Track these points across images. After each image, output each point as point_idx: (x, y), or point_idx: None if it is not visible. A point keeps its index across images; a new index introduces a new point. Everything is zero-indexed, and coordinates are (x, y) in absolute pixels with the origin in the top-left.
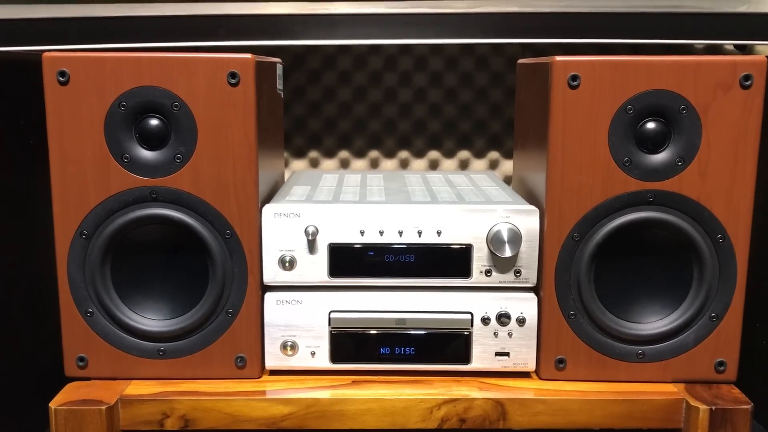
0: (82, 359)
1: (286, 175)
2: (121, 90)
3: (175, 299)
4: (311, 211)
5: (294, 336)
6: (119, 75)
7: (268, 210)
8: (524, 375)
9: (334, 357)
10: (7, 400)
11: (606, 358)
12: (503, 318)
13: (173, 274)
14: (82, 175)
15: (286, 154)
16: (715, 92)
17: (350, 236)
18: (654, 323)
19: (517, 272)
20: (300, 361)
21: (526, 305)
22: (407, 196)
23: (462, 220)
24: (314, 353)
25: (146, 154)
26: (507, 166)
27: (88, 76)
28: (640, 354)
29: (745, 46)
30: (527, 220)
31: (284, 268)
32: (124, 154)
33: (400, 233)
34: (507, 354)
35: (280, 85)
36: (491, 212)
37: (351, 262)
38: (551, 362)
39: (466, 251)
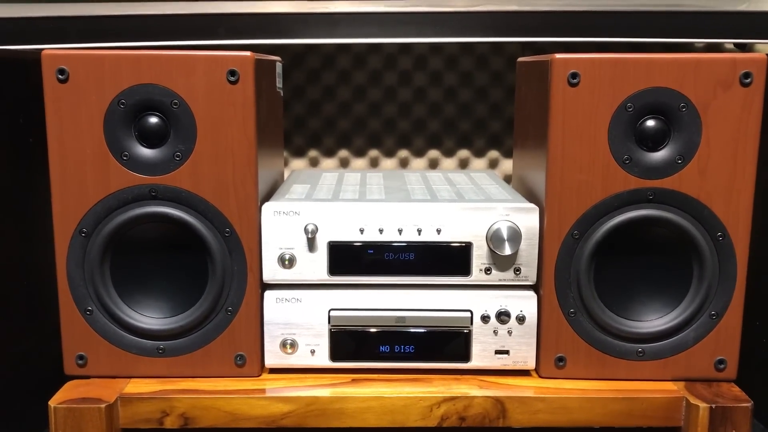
0: (81, 357)
1: (286, 174)
2: (121, 88)
3: (175, 297)
4: (311, 210)
5: (294, 334)
6: (118, 73)
7: (267, 208)
8: (524, 373)
9: (334, 355)
10: (7, 399)
11: (606, 357)
12: (503, 316)
13: (173, 272)
14: (82, 173)
15: (285, 153)
16: (715, 90)
17: (350, 234)
18: (654, 321)
19: (517, 270)
20: (300, 359)
21: (525, 303)
22: (407, 194)
23: (462, 218)
24: (314, 351)
25: (146, 152)
26: (507, 165)
27: (88, 74)
28: (640, 352)
29: (745, 44)
30: (527, 218)
31: (284, 266)
32: (123, 152)
33: (400, 231)
34: (507, 352)
35: (279, 84)
36: (491, 210)
37: (351, 260)
38: (551, 360)
39: (465, 249)
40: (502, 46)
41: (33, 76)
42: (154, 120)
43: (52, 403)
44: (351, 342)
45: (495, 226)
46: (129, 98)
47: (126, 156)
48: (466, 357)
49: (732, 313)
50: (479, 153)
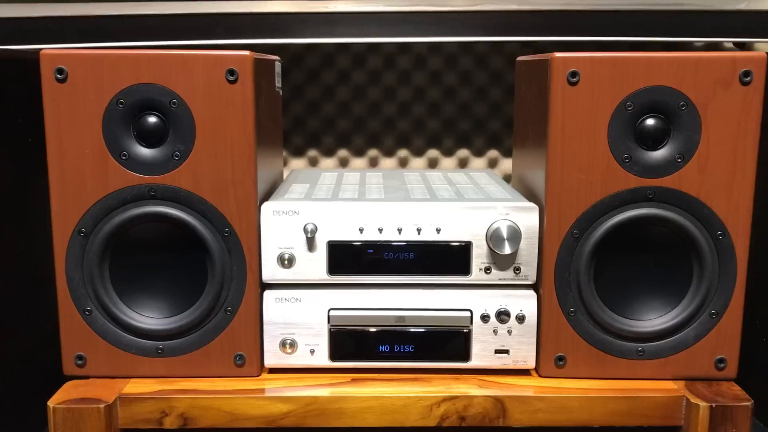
0: (80, 357)
1: (285, 174)
2: (119, 87)
3: (174, 297)
4: (310, 209)
5: (293, 334)
6: (117, 72)
7: (266, 207)
8: (524, 372)
9: (334, 355)
10: (6, 399)
11: (606, 356)
12: (503, 315)
13: (172, 272)
14: (81, 173)
15: (285, 153)
16: (714, 88)
17: (349, 234)
18: (654, 320)
19: (517, 269)
20: (299, 359)
21: (525, 302)
22: (406, 193)
23: (461, 217)
24: (313, 351)
25: (144, 151)
26: (506, 164)
27: (86, 73)
28: (640, 351)
29: (744, 43)
30: (527, 217)
31: (283, 265)
32: (122, 151)
33: (399, 231)
34: (507, 351)
35: (279, 83)
36: (490, 209)
37: (350, 259)
38: (551, 360)
39: (465, 248)
40: (502, 46)
41: (32, 76)
42: (152, 119)
43: (51, 403)
44: (350, 342)
45: (495, 226)
46: (128, 98)
47: (125, 156)
48: (465, 356)
49: (732, 311)
50: (479, 152)
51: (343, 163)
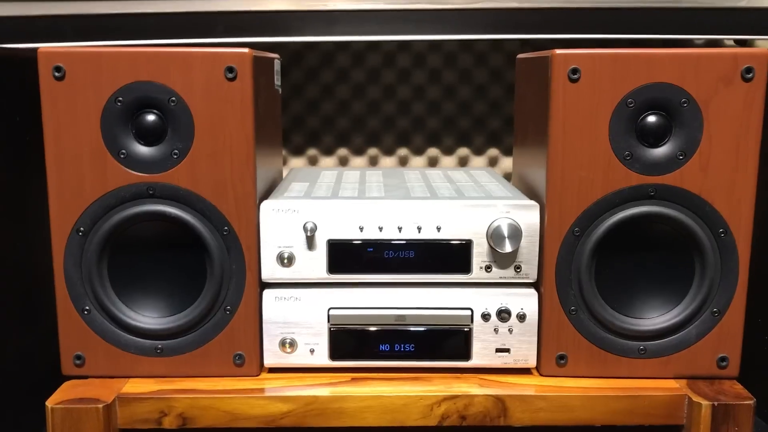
0: (79, 357)
1: (285, 173)
2: (118, 85)
3: (173, 296)
4: (310, 207)
5: (293, 333)
6: (115, 70)
7: (266, 206)
8: (525, 371)
9: (334, 354)
10: (4, 399)
11: (607, 354)
12: (503, 314)
13: (171, 271)
14: (79, 172)
15: (284, 152)
16: (716, 85)
17: (349, 232)
18: (655, 319)
19: (518, 268)
20: (299, 358)
21: (526, 301)
22: (406, 191)
23: (462, 215)
24: (313, 350)
25: (143, 149)
26: (506, 163)
27: (84, 71)
28: (641, 350)
29: (745, 41)
30: (527, 215)
31: (283, 264)
32: (120, 149)
33: (400, 229)
34: (507, 350)
35: (278, 81)
36: (491, 207)
37: (350, 258)
38: (552, 358)
39: (465, 247)
40: (502, 44)
41: (29, 74)
42: (151, 117)
43: (50, 403)
44: (350, 341)
45: (495, 224)
46: (126, 96)
47: (123, 154)
48: (466, 355)
49: (734, 310)
50: (479, 151)
51: (343, 161)
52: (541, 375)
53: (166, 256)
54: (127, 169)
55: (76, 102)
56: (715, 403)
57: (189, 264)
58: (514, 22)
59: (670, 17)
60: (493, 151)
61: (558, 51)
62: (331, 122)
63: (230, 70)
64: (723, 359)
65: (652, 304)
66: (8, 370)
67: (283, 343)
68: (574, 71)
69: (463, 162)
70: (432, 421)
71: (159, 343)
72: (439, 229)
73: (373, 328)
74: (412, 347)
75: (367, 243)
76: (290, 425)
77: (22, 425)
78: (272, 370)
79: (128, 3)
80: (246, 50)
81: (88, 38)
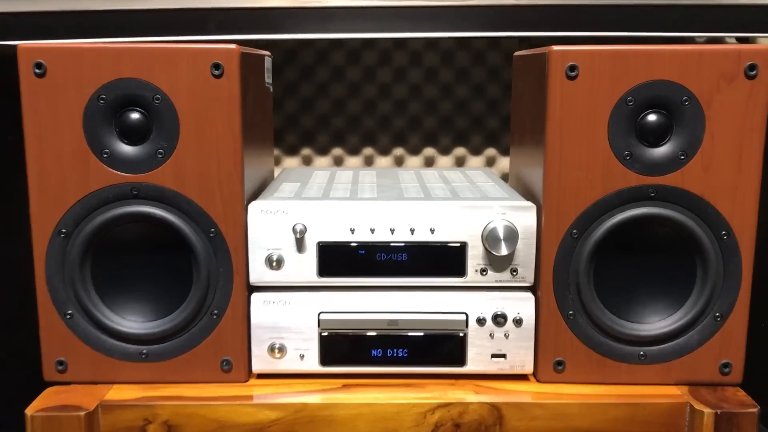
0: (61, 363)
1: (277, 173)
2: (101, 82)
3: (158, 300)
4: (299, 209)
5: (282, 338)
6: (98, 67)
7: (254, 207)
8: (521, 377)
9: (324, 360)
10: None
11: (606, 360)
12: (499, 318)
13: (156, 274)
14: (61, 171)
15: (278, 152)
16: (718, 82)
17: (340, 234)
18: (656, 323)
19: (514, 271)
20: (288, 364)
21: (523, 305)
22: (400, 192)
23: (456, 217)
24: (303, 356)
25: (127, 149)
26: (504, 163)
27: (66, 68)
28: (641, 355)
29: (746, 39)
30: (524, 217)
31: (271, 267)
32: (103, 149)
33: (392, 231)
34: (503, 356)
35: (268, 79)
36: (487, 209)
37: (341, 261)
38: (549, 364)
39: (460, 249)
40: (499, 42)
41: (10, 71)
42: (135, 116)
43: (29, 411)
44: (341, 346)
45: (491, 226)
46: (109, 93)
47: (106, 153)
48: (461, 361)
49: (737, 314)
50: (476, 151)
51: (338, 161)
52: (538, 381)
53: (151, 258)
54: (111, 169)
55: (58, 100)
56: (718, 411)
57: (175, 267)
58: (511, 19)
59: (670, 14)
60: (490, 151)
61: (555, 47)
62: (326, 121)
63: (217, 66)
64: (726, 365)
65: (653, 309)
66: None
67: (272, 349)
68: (572, 68)
69: (460, 162)
70: (425, 429)
71: (144, 348)
72: (432, 231)
73: (365, 333)
74: (406, 353)
75: (358, 245)
76: None
77: None
78: (261, 376)
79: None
80: (233, 46)
81: (75, 35)
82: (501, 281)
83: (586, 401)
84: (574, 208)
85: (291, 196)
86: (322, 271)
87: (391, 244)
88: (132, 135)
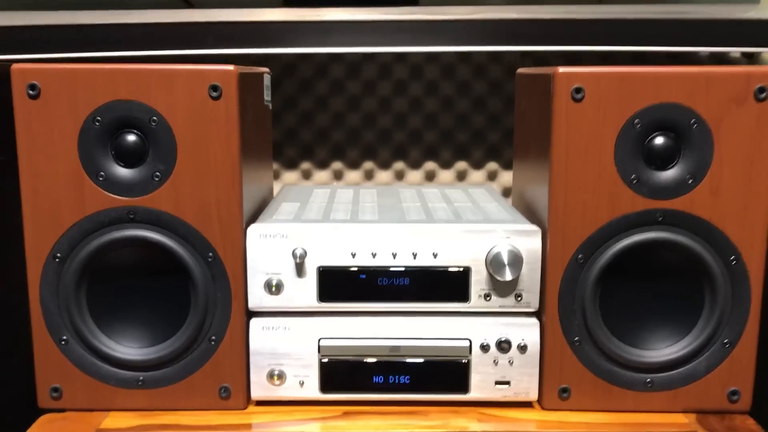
0: (56, 390)
1: (276, 188)
2: (96, 104)
3: (155, 326)
4: (299, 232)
5: (281, 364)
6: (93, 88)
7: (253, 231)
8: (526, 405)
9: (324, 387)
10: None
11: (612, 387)
12: (503, 345)
13: (153, 299)
14: (55, 194)
15: (277, 166)
16: (727, 105)
17: (341, 259)
18: (663, 350)
19: (518, 296)
20: (288, 391)
21: (527, 331)
22: (401, 213)
23: (459, 240)
24: (303, 383)
25: (123, 171)
26: (506, 177)
27: (60, 89)
28: (648, 382)
29: (752, 53)
30: (528, 241)
31: (271, 292)
32: (99, 171)
33: (394, 255)
34: (508, 383)
35: (267, 97)
36: (490, 233)
37: (341, 286)
38: (554, 391)
39: (463, 274)
40: (501, 55)
41: (2, 88)
42: (131, 138)
43: None
44: (342, 373)
45: (495, 250)
46: (105, 115)
47: (102, 176)
48: (464, 388)
49: (746, 341)
50: (477, 165)
51: (338, 175)
52: (543, 408)
53: (147, 283)
54: (107, 192)
55: (52, 121)
56: None
57: (172, 292)
58: (513, 33)
59: (675, 29)
60: (492, 165)
61: (561, 69)
62: (326, 135)
63: (215, 88)
64: (734, 393)
65: (660, 335)
66: None
67: (271, 375)
68: (578, 90)
69: (461, 176)
70: None
71: (141, 375)
72: (435, 255)
73: (366, 360)
74: (408, 379)
75: (359, 270)
76: None
77: None
78: (260, 403)
79: (114, 13)
80: (231, 67)
81: (71, 49)
82: (505, 306)
83: (592, 429)
84: (580, 233)
85: (290, 218)
86: (323, 296)
87: (393, 269)
88: (128, 157)
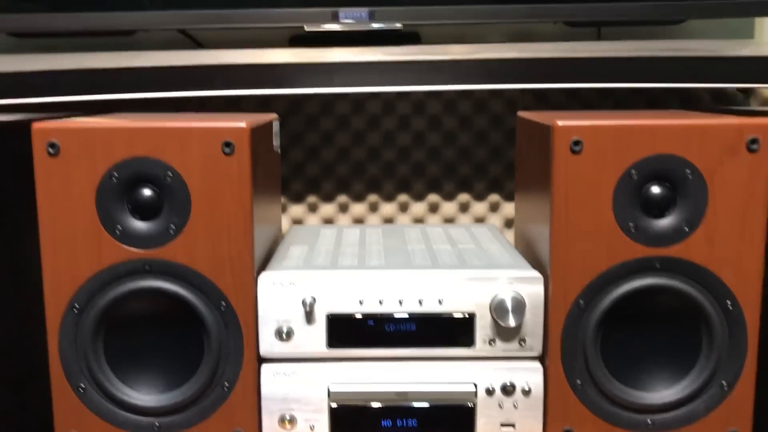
0: None
1: (284, 221)
2: (113, 161)
3: (170, 373)
4: (309, 280)
5: (292, 409)
6: (111, 146)
7: (264, 279)
8: None
9: (334, 431)
10: None
11: (614, 428)
12: (508, 388)
13: (167, 346)
14: (74, 247)
15: (284, 200)
16: (721, 156)
17: (349, 306)
18: (663, 392)
19: (522, 341)
20: None
21: (531, 375)
22: (407, 257)
23: (464, 288)
24: (313, 427)
25: (139, 225)
26: (508, 209)
27: (79, 147)
28: (649, 423)
29: (748, 89)
30: (531, 288)
31: (281, 339)
32: (116, 225)
33: (401, 302)
34: (512, 425)
35: (276, 142)
36: (494, 280)
37: (350, 332)
38: None
39: (469, 320)
40: (501, 91)
41: (22, 142)
42: (147, 192)
43: None
44: (351, 417)
45: (498, 297)
46: (121, 171)
47: (119, 229)
48: (470, 431)
49: (744, 382)
50: (479, 197)
51: (343, 208)
52: None
53: (162, 331)
54: (123, 245)
55: (71, 178)
56: None
57: (186, 339)
58: (513, 72)
59: (672, 66)
60: (494, 197)
61: (559, 122)
62: (331, 169)
63: (228, 144)
64: None
65: (660, 377)
66: None
67: (282, 420)
68: (577, 143)
69: (464, 207)
70: None
71: (156, 420)
72: (441, 302)
73: (374, 405)
74: (415, 423)
75: (367, 316)
76: None
77: None
78: None
79: (124, 56)
80: (243, 125)
81: (81, 93)
82: (509, 351)
83: None
84: (581, 279)
85: (300, 264)
86: (332, 342)
87: (400, 316)
88: (144, 211)
